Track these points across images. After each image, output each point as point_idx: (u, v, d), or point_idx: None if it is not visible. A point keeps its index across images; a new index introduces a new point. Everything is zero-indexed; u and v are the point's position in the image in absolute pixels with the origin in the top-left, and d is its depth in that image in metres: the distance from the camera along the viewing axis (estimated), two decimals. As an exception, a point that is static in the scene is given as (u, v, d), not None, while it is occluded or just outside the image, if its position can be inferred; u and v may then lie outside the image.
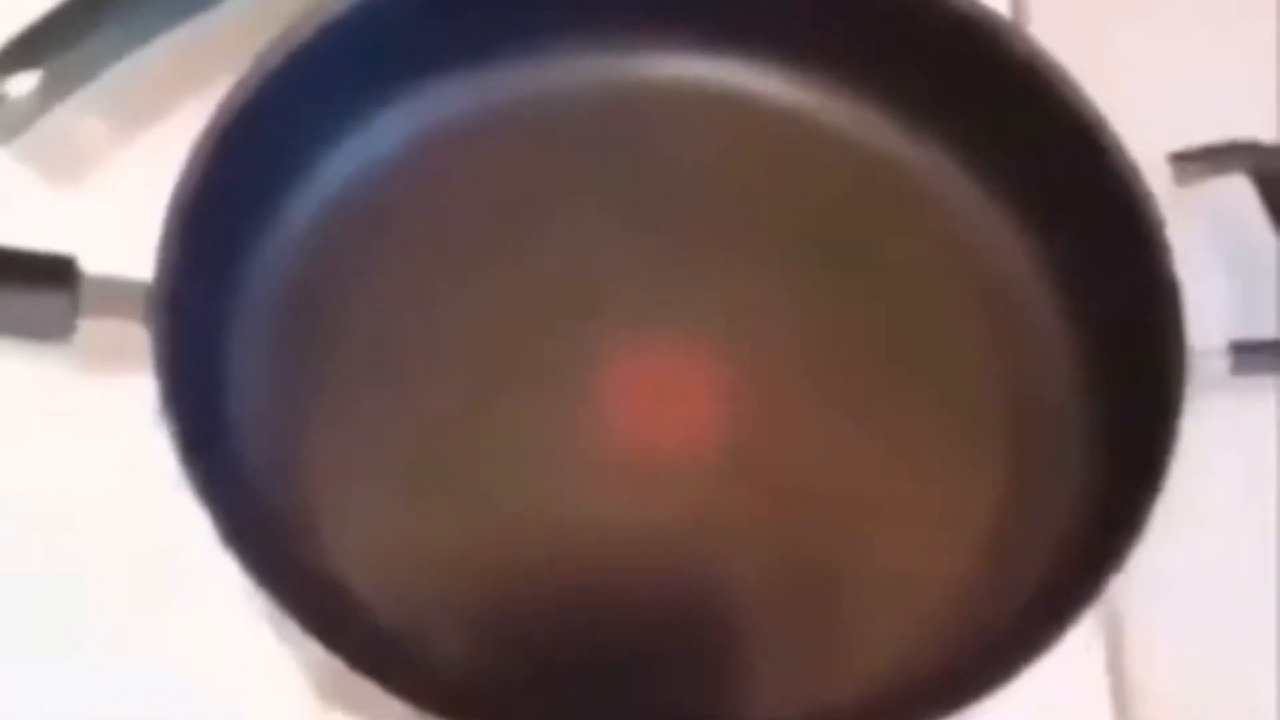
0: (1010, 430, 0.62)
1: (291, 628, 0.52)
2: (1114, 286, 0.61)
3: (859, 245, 0.64)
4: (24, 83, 0.60)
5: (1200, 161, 0.64)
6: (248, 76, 0.59)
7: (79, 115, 0.62)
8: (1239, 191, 0.63)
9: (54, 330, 0.57)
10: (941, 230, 0.65)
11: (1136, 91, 0.62)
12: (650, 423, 0.61)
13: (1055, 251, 0.63)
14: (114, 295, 0.56)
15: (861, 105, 0.65)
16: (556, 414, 0.61)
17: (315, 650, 0.52)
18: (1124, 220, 0.60)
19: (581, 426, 0.61)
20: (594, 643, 0.58)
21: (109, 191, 0.63)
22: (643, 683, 0.57)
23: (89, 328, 0.57)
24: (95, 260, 0.57)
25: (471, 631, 0.57)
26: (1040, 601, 0.57)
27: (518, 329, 0.62)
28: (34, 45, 0.61)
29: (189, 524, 0.52)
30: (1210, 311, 0.61)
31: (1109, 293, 0.61)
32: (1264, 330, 0.63)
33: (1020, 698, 0.53)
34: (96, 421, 0.59)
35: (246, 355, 0.59)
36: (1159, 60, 0.68)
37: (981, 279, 0.64)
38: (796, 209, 0.64)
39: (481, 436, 0.60)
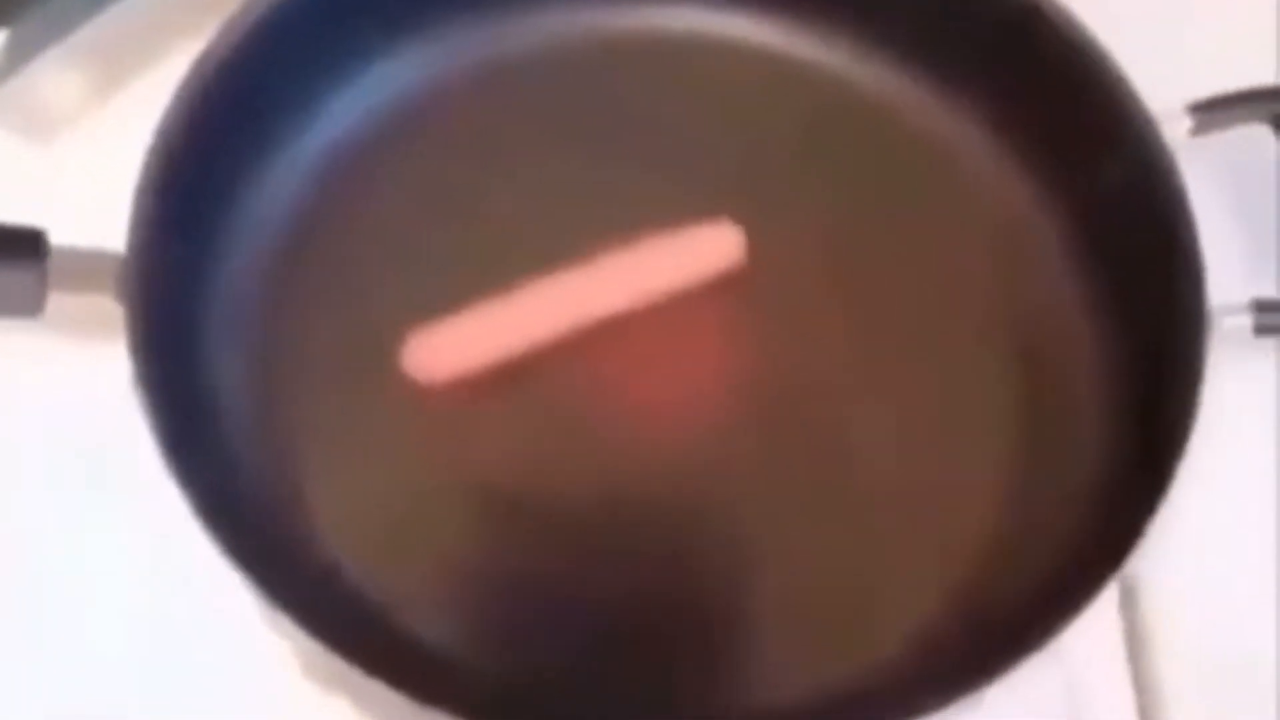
0: (1025, 390, 0.60)
1: (277, 611, 0.51)
2: (1128, 242, 0.60)
3: (865, 191, 0.63)
4: (-10, 42, 0.59)
5: (1219, 110, 0.61)
6: (226, 33, 0.58)
7: (49, 76, 0.61)
8: (1260, 143, 0.62)
9: (22, 306, 0.55)
10: (949, 178, 0.64)
11: (1153, 41, 0.61)
12: (652, 375, 0.60)
13: (1067, 204, 0.62)
14: (85, 268, 0.55)
15: (860, 49, 0.64)
16: (551, 369, 0.59)
17: (301, 634, 0.51)
18: (1137, 172, 0.59)
19: (576, 380, 0.59)
20: (589, 617, 0.56)
21: (81, 156, 0.61)
22: (639, 658, 0.56)
23: (59, 302, 0.55)
24: (66, 230, 0.55)
25: (462, 607, 0.56)
26: (1059, 570, 0.55)
27: (511, 285, 0.59)
28: None
29: (170, 505, 0.51)
30: (1231, 268, 0.59)
31: (1123, 250, 0.60)
32: (1287, 288, 0.61)
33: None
34: (68, 402, 0.58)
35: (225, 328, 0.58)
36: (1176, 8, 0.66)
37: (992, 230, 0.63)
38: (799, 156, 0.63)
39: (471, 400, 0.58)
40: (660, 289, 0.60)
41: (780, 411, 0.59)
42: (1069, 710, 0.57)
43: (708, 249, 0.61)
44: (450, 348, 0.59)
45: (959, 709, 0.51)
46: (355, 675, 0.50)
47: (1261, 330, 0.58)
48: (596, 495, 0.58)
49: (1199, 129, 0.61)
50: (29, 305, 0.55)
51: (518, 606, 0.56)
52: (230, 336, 0.58)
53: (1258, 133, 0.62)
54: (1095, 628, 0.56)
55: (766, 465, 0.59)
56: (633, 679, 0.55)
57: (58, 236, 0.55)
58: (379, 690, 0.50)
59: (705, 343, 0.60)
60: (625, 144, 0.63)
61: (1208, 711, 0.58)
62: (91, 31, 0.61)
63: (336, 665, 0.51)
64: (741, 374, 0.60)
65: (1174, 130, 0.60)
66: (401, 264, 0.60)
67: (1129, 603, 0.59)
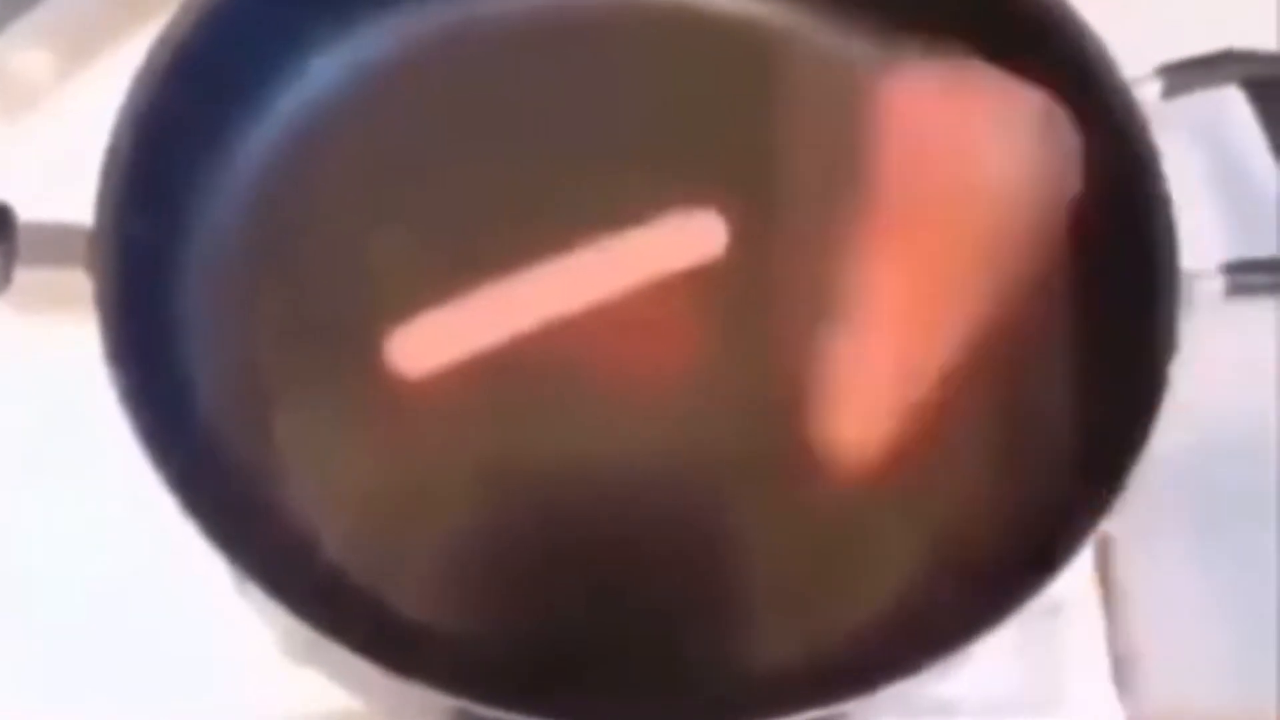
0: (1002, 356, 0.60)
1: (253, 587, 0.51)
2: (1101, 206, 0.59)
3: (829, 157, 0.62)
4: (-45, 17, 0.59)
5: (1190, 73, 0.61)
6: (189, 8, 0.57)
7: (15, 52, 0.61)
8: (1232, 105, 0.62)
9: (-11, 283, 0.55)
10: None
11: (1124, 3, 0.60)
12: (625, 349, 0.59)
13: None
14: (53, 242, 0.54)
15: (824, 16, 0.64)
16: (528, 344, 0.59)
17: (277, 609, 0.51)
18: (1109, 135, 0.59)
19: (554, 354, 0.59)
20: (574, 593, 0.56)
21: (47, 132, 0.61)
22: (625, 634, 0.55)
23: (27, 278, 0.54)
24: (33, 206, 0.55)
25: (443, 582, 0.56)
26: (1042, 528, 0.55)
27: (480, 259, 0.59)
28: (-35, -25, 0.59)
29: (142, 478, 0.50)
30: (1203, 232, 0.59)
31: (1095, 213, 0.59)
32: (1261, 250, 0.61)
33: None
34: (39, 380, 0.58)
35: (197, 300, 0.57)
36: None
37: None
38: (755, 122, 0.63)
39: (447, 376, 0.58)
40: (641, 278, 0.60)
41: (763, 383, 0.59)
42: (1045, 666, 0.58)
43: (688, 239, 0.61)
44: (432, 340, 0.58)
45: (944, 667, 0.52)
46: (329, 649, 0.50)
47: (1234, 292, 0.58)
48: (581, 474, 0.58)
49: (1170, 91, 0.61)
50: (-5, 282, 0.55)
51: (499, 583, 0.56)
52: (202, 309, 0.57)
53: (1229, 95, 0.61)
54: (1072, 585, 0.57)
55: (751, 437, 0.58)
56: (618, 655, 0.55)
57: (25, 213, 0.55)
58: (354, 664, 0.50)
59: (684, 322, 0.60)
60: (582, 117, 0.62)
61: (1182, 670, 0.59)
62: (57, 7, 0.61)
63: (309, 639, 0.50)
64: (722, 349, 0.60)
65: (1145, 93, 0.60)
66: (375, 240, 0.60)
67: (1105, 561, 0.60)
